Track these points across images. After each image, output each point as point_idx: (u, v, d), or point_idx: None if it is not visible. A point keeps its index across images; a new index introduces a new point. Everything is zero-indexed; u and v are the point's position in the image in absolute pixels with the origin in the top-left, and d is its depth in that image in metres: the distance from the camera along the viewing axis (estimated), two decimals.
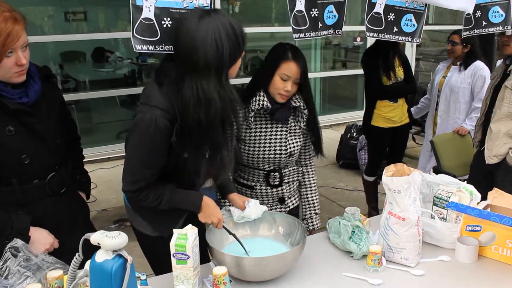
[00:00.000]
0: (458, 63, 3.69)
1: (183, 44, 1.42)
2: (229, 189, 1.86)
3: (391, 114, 3.53)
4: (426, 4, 2.16)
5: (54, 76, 1.73)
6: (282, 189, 2.08)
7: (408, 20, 2.16)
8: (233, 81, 1.57)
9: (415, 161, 5.28)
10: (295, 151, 2.04)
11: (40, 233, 1.61)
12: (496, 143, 2.49)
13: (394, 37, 2.18)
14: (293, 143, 2.02)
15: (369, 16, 2.09)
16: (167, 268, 1.58)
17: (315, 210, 2.20)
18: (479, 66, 3.62)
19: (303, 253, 1.62)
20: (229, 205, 1.83)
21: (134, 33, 1.59)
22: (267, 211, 1.80)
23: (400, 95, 3.54)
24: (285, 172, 2.06)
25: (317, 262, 1.69)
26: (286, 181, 2.08)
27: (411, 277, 1.60)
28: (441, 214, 1.81)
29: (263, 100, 1.90)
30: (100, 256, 1.19)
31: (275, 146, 1.99)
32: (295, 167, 2.12)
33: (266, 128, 1.98)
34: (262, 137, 1.97)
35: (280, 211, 2.09)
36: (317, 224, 2.20)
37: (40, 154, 1.61)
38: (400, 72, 3.48)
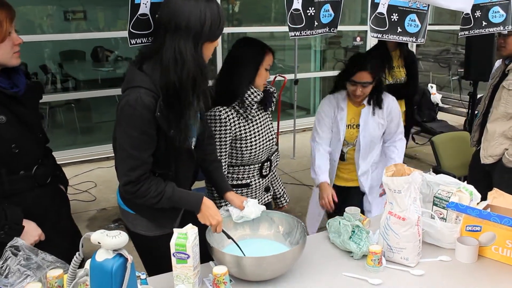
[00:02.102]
0: (364, 102, 2.45)
1: (169, 9, 1.46)
2: (226, 187, 1.86)
3: None
4: (428, 4, 2.16)
5: (30, 77, 1.79)
6: (268, 178, 2.21)
7: (412, 20, 2.15)
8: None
9: (415, 161, 5.27)
10: (276, 133, 2.20)
11: (30, 225, 1.63)
12: (491, 143, 2.48)
13: (398, 37, 2.17)
14: (273, 126, 2.19)
15: (372, 17, 2.08)
16: (163, 269, 1.58)
17: (283, 186, 2.39)
18: (392, 104, 2.51)
19: (303, 253, 1.62)
20: (228, 205, 1.83)
21: (131, 29, 1.62)
22: (265, 210, 1.81)
23: None
24: (272, 158, 2.18)
25: (317, 261, 1.69)
26: (272, 167, 2.21)
27: (411, 277, 1.60)
28: (441, 214, 1.81)
29: (256, 92, 1.96)
30: (100, 256, 1.18)
31: (267, 133, 2.11)
32: (276, 152, 2.26)
33: (260, 118, 2.09)
34: (261, 129, 2.07)
35: (269, 200, 2.24)
36: (288, 198, 2.42)
37: (28, 144, 1.64)
38: (400, 74, 3.47)
